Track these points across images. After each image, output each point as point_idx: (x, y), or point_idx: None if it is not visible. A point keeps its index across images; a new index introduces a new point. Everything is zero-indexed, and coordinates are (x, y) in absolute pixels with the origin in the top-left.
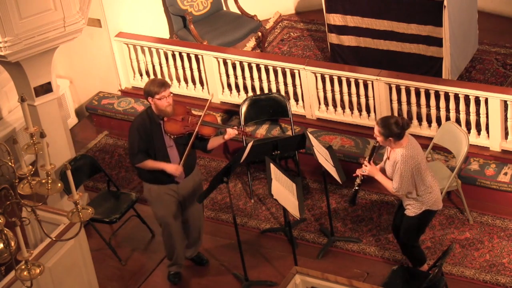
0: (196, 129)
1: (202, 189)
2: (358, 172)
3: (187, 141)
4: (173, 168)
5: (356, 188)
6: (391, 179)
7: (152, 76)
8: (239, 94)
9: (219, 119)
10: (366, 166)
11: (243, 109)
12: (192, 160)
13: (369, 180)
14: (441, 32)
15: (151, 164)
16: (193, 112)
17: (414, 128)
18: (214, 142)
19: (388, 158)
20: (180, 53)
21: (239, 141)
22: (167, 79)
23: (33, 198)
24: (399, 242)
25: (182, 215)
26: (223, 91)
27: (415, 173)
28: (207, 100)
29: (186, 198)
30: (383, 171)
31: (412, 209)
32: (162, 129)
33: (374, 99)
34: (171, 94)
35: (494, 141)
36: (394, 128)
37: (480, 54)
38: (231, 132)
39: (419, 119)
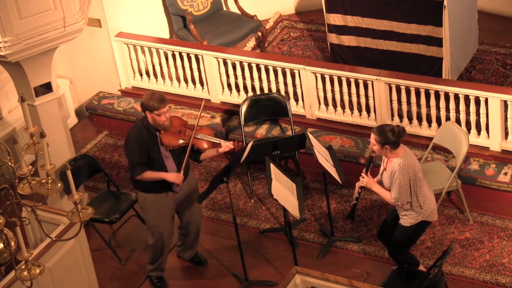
0: (191, 142)
1: (198, 192)
2: (357, 185)
3: (183, 151)
4: (173, 176)
5: (355, 202)
6: (389, 190)
7: (152, 76)
8: (239, 94)
9: (219, 119)
10: (363, 178)
11: (243, 109)
12: (187, 165)
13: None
14: (441, 32)
15: (151, 175)
16: (189, 124)
17: (414, 128)
18: (207, 154)
19: (385, 169)
20: (180, 53)
21: (239, 141)
22: (167, 79)
23: (33, 198)
24: (388, 248)
25: (182, 220)
26: (223, 91)
27: (412, 182)
28: (207, 100)
29: (184, 203)
30: (380, 184)
31: (408, 219)
32: (158, 140)
33: (374, 99)
34: (170, 109)
35: (494, 141)
36: (390, 135)
37: (480, 54)
38: (226, 146)
39: (419, 119)
